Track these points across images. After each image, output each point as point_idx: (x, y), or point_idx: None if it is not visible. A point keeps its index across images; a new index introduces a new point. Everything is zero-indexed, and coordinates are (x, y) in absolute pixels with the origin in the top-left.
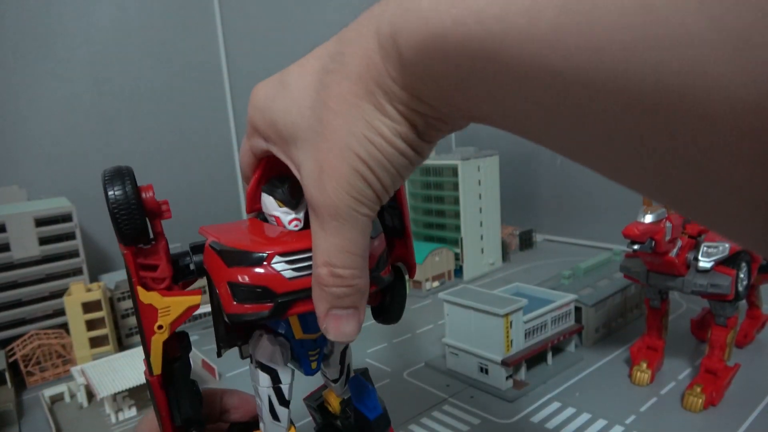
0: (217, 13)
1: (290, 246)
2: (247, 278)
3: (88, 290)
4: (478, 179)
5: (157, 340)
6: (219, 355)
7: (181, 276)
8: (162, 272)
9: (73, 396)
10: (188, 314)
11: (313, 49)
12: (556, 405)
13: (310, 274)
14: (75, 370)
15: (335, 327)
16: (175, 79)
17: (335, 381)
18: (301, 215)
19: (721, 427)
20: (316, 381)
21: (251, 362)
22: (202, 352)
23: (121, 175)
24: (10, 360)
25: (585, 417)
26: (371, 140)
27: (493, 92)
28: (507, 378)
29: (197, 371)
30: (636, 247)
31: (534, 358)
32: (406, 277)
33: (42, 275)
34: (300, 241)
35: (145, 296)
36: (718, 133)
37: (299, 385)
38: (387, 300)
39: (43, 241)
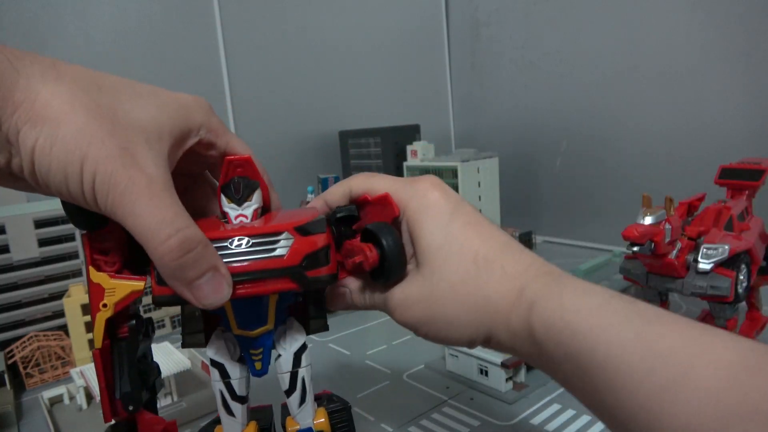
0: (217, 13)
1: (214, 234)
2: None
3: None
4: (477, 181)
5: (101, 317)
6: (183, 346)
7: (141, 265)
8: (113, 257)
9: (72, 398)
10: (131, 298)
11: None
12: (556, 407)
13: (230, 262)
14: (74, 371)
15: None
16: (174, 80)
17: (287, 395)
18: (247, 212)
19: None
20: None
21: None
22: (201, 354)
23: None
24: (10, 362)
25: (585, 419)
26: (459, 323)
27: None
28: (507, 380)
29: (196, 373)
30: (635, 248)
31: None
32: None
33: (41, 277)
34: (226, 232)
35: (95, 276)
36: None
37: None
38: (382, 256)
39: (43, 242)
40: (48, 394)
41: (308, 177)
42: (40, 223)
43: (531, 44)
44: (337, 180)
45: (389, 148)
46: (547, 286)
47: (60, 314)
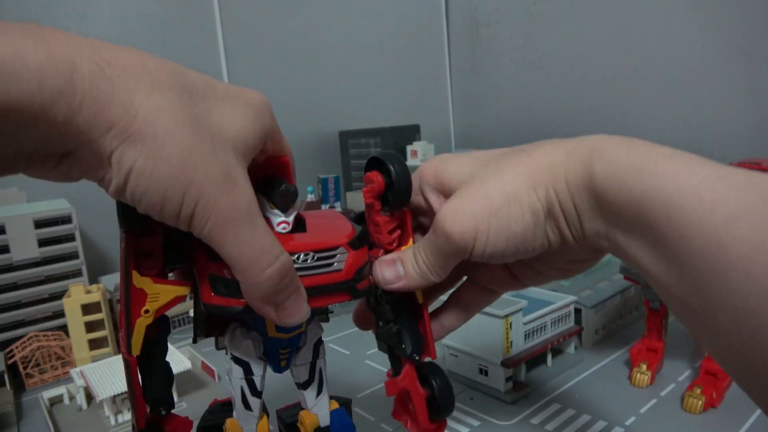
0: (217, 13)
1: (286, 248)
2: (225, 272)
3: (88, 292)
4: None
5: (142, 323)
6: (194, 341)
7: (171, 262)
8: (156, 260)
9: (72, 398)
10: (174, 303)
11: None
12: (556, 406)
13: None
14: (74, 372)
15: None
16: None
17: (304, 387)
18: (290, 219)
19: (721, 428)
20: (292, 388)
21: (226, 354)
22: (202, 354)
23: None
24: (10, 362)
25: (585, 418)
26: (516, 196)
27: (648, 246)
28: (507, 380)
29: (196, 373)
30: None
31: (534, 359)
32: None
33: (41, 277)
34: (294, 246)
35: (138, 280)
36: None
37: (281, 392)
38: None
39: (43, 242)
40: (48, 394)
41: (308, 177)
42: (40, 223)
43: (531, 44)
44: (337, 180)
45: (389, 148)
46: (609, 138)
47: (60, 314)
